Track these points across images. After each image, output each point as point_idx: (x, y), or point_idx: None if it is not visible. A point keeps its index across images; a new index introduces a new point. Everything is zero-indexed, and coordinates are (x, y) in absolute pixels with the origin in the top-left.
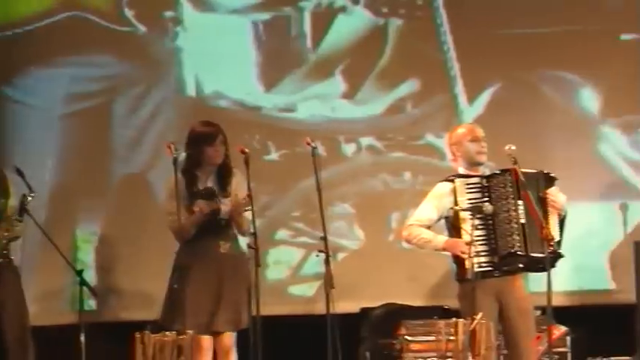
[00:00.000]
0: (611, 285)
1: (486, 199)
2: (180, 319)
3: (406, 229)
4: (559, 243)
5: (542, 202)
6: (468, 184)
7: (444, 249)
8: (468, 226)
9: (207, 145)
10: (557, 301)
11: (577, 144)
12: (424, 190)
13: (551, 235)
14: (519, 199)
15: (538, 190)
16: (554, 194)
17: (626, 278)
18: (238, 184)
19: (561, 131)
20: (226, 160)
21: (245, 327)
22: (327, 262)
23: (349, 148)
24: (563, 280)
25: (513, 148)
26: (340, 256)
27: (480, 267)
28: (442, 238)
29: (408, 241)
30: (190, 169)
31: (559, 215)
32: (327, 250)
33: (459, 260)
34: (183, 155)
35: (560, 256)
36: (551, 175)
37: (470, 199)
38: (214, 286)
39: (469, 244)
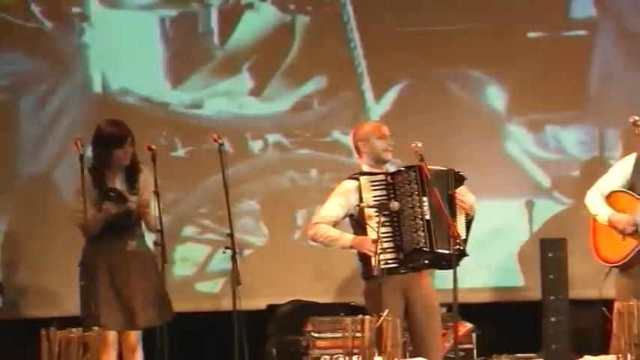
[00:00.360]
0: (518, 282)
1: (392, 196)
2: (96, 316)
3: (312, 227)
4: (465, 241)
5: (451, 200)
6: (373, 182)
7: (351, 247)
8: (374, 223)
9: (116, 147)
10: (463, 298)
11: (484, 142)
12: (330, 187)
13: (457, 232)
14: (424, 195)
15: (448, 189)
16: (464, 194)
17: (532, 275)
18: (145, 181)
19: (468, 129)
20: (134, 159)
21: (157, 324)
22: (233, 258)
23: (256, 145)
24: (470, 277)
25: (420, 145)
26: (247, 252)
27: (386, 264)
28: (348, 237)
29: (314, 240)
30: (99, 168)
31: (467, 215)
32: (233, 246)
33: (364, 258)
34: (89, 152)
35: (465, 254)
36: (461, 173)
37: (375, 197)
38: (122, 284)
39: (375, 241)
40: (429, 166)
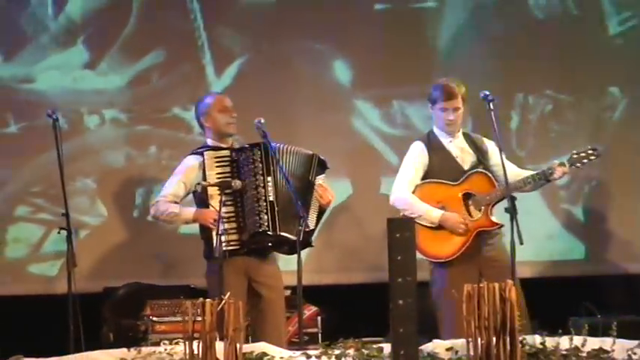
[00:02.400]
0: (366, 264)
1: (236, 174)
2: None
3: (153, 205)
4: (312, 232)
5: (308, 187)
6: (217, 157)
7: (195, 220)
8: (216, 202)
9: None
10: (309, 280)
11: (330, 117)
12: (170, 164)
13: (305, 217)
14: (269, 175)
15: (308, 174)
16: (325, 187)
17: (381, 257)
18: None
19: (313, 104)
20: None
21: None
22: (68, 239)
23: (92, 121)
24: (316, 259)
25: (263, 121)
26: (83, 233)
27: (228, 245)
28: (190, 210)
29: (156, 218)
30: None
31: (321, 207)
32: (69, 227)
33: (207, 237)
34: None
35: (309, 244)
36: (323, 160)
37: (219, 174)
38: None
39: (216, 221)
40: (294, 147)
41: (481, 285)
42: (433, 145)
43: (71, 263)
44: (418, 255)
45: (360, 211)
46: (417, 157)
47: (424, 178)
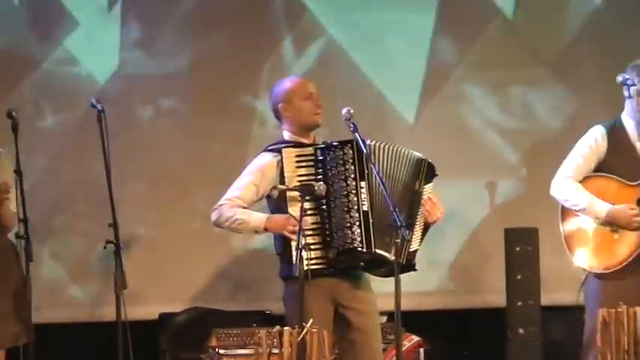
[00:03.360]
0: (476, 284)
1: (320, 177)
2: None
3: (215, 210)
4: (415, 253)
5: (414, 198)
6: (298, 156)
7: (267, 228)
8: (297, 211)
9: None
10: (408, 305)
11: (432, 106)
12: (239, 164)
13: (407, 235)
14: (363, 179)
15: (415, 182)
16: (435, 200)
17: (495, 275)
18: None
19: (410, 90)
20: None
21: (24, 342)
22: (117, 255)
23: (145, 112)
24: (417, 279)
25: (352, 111)
26: (135, 248)
27: (312, 263)
28: (261, 216)
29: (218, 225)
30: None
31: (426, 223)
32: (117, 240)
33: (284, 252)
34: None
35: (412, 267)
36: (433, 165)
37: (300, 176)
38: None
39: (296, 232)
40: (396, 146)
41: (619, 310)
42: (617, 134)
43: (120, 284)
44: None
45: (470, 221)
46: (592, 143)
47: (596, 171)
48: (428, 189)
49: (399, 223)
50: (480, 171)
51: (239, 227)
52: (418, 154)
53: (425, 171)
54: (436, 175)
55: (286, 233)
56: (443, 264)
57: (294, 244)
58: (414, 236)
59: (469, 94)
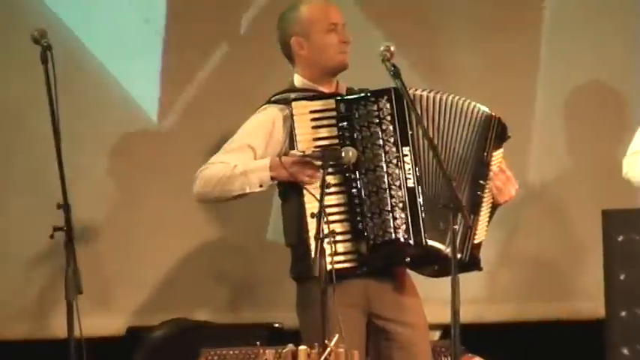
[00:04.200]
0: (561, 287)
1: (347, 139)
2: None
3: (197, 177)
4: (479, 246)
5: (480, 169)
6: (315, 111)
7: (273, 178)
8: (316, 187)
9: None
10: (469, 316)
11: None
12: (237, 118)
13: (473, 225)
14: (406, 145)
15: (483, 148)
16: (508, 173)
17: (587, 276)
18: None
19: (478, 30)
20: None
21: None
22: (69, 248)
23: (105, 48)
24: (482, 280)
25: (393, 48)
26: (94, 238)
27: (339, 261)
28: (262, 162)
29: (206, 196)
30: None
31: (494, 204)
32: (69, 227)
33: (299, 243)
34: None
35: (476, 265)
36: (505, 125)
37: (318, 139)
38: None
39: (316, 215)
40: (452, 96)
41: None
42: None
43: (73, 287)
44: None
45: (554, 200)
46: None
47: None
48: (497, 157)
49: (458, 204)
50: None
51: (235, 187)
52: (485, 109)
53: (495, 132)
54: (508, 137)
55: (303, 178)
56: (516, 260)
57: (312, 232)
58: (479, 222)
59: None
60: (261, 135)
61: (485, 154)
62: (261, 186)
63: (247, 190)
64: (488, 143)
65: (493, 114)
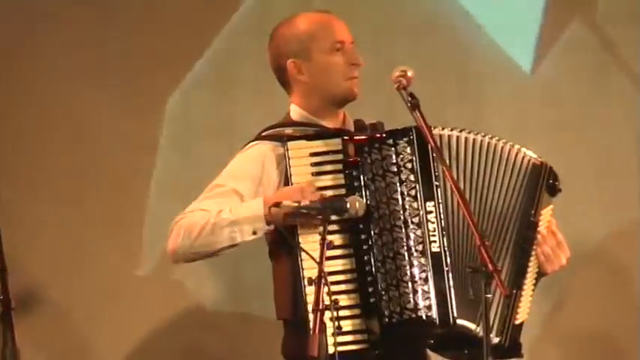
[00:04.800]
0: None
1: (356, 187)
2: None
3: (174, 226)
4: (521, 326)
5: (528, 233)
6: (317, 154)
7: (270, 220)
8: (313, 245)
9: None
10: None
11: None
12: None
13: (516, 302)
14: (431, 199)
15: (535, 204)
16: (560, 236)
17: None
18: None
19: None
20: None
21: None
22: (4, 317)
23: None
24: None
25: (410, 74)
26: (37, 304)
27: (345, 342)
28: (253, 203)
29: (186, 251)
30: None
31: (539, 273)
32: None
33: (293, 312)
34: None
35: (517, 350)
36: (556, 174)
37: (320, 189)
38: None
39: (314, 281)
40: (493, 139)
41: None
42: None
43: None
44: None
45: (605, 268)
46: None
47: None
48: (546, 215)
49: (493, 267)
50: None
51: (222, 238)
52: (532, 155)
53: (545, 185)
54: (559, 190)
55: (309, 196)
56: (564, 336)
57: (310, 303)
58: (522, 298)
59: None
60: (249, 178)
61: (533, 212)
62: (254, 233)
63: (238, 240)
64: (536, 199)
65: (542, 161)
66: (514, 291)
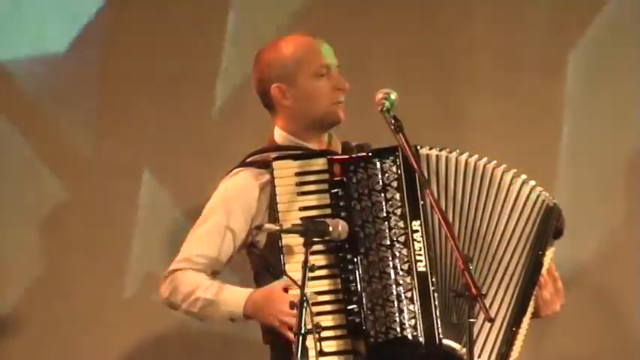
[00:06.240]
0: None
1: (340, 209)
2: None
3: (167, 279)
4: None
5: (533, 272)
6: (302, 174)
7: (247, 317)
8: (297, 268)
9: None
10: None
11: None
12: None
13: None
14: (416, 219)
15: (538, 243)
16: (558, 280)
17: None
18: None
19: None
20: None
21: None
22: None
23: None
24: None
25: (394, 96)
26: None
27: None
28: (238, 295)
29: (174, 306)
30: None
31: (535, 314)
32: None
33: (275, 339)
34: None
35: None
36: (563, 217)
37: (305, 208)
38: None
39: (295, 306)
40: (482, 161)
41: None
42: None
43: None
44: None
45: (592, 293)
46: None
47: None
48: (548, 257)
49: (477, 292)
50: None
51: (202, 313)
52: (543, 193)
53: (553, 225)
54: (562, 234)
55: (275, 322)
56: None
57: (289, 333)
58: (517, 338)
59: None
60: (238, 211)
61: (541, 252)
62: (232, 320)
63: (215, 321)
64: (544, 236)
65: (555, 202)
66: (513, 329)
